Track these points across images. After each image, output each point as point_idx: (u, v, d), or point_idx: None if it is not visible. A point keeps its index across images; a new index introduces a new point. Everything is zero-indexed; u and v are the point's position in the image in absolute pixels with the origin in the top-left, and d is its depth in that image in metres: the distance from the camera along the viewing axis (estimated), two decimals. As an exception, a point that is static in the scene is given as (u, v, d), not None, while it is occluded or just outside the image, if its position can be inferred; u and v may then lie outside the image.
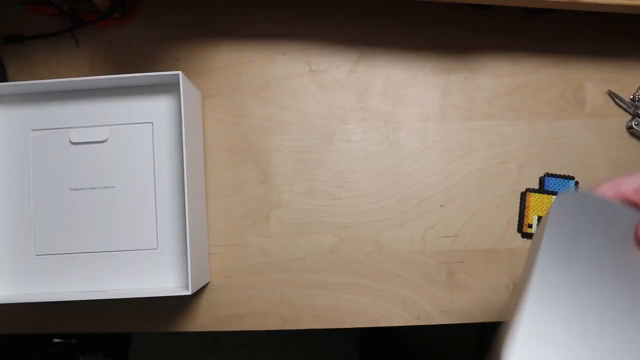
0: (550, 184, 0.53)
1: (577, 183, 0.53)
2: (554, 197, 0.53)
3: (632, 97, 0.55)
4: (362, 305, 0.52)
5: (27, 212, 0.49)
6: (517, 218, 0.53)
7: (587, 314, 0.28)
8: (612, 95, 0.55)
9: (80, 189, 0.49)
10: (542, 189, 0.53)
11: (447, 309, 0.52)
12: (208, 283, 0.52)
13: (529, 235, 0.53)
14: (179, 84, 0.45)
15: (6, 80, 0.54)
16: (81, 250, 0.48)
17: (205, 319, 0.52)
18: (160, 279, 0.48)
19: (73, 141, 0.49)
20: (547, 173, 0.53)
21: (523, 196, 0.53)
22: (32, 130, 0.49)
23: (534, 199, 0.53)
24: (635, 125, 0.53)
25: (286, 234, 0.52)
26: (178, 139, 0.49)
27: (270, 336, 1.20)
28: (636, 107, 0.54)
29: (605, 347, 0.27)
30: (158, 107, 0.49)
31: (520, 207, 0.53)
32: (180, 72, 0.45)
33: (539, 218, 0.53)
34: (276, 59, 0.55)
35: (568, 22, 0.55)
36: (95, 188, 0.49)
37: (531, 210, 0.53)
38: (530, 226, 0.53)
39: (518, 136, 0.54)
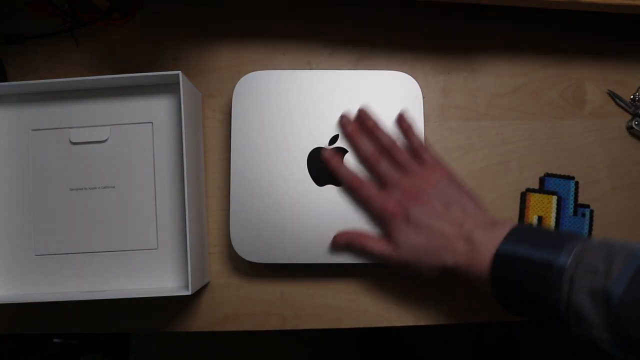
0: (550, 184, 0.53)
1: (577, 183, 0.53)
2: (553, 197, 0.53)
3: (632, 97, 0.55)
4: (362, 305, 0.52)
5: (27, 212, 0.49)
6: (517, 218, 0.53)
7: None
8: (612, 95, 0.55)
9: (80, 189, 0.49)
10: (542, 189, 0.53)
11: (447, 309, 0.52)
12: (208, 283, 0.52)
13: (529, 235, 0.53)
14: (179, 84, 0.45)
15: (6, 80, 0.54)
16: (81, 250, 0.48)
17: (205, 319, 0.52)
18: (160, 279, 0.48)
19: (73, 141, 0.49)
20: (547, 173, 0.53)
21: (523, 196, 0.53)
22: (32, 130, 0.49)
23: (534, 199, 0.53)
24: (635, 125, 0.53)
25: (286, 234, 0.52)
26: (178, 139, 0.49)
27: (270, 336, 1.20)
28: (636, 107, 0.54)
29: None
30: (158, 107, 0.49)
31: (520, 207, 0.53)
32: (180, 72, 0.45)
33: (539, 218, 0.53)
34: (276, 59, 0.55)
35: (568, 22, 0.55)
36: (95, 188, 0.49)
37: (531, 210, 0.53)
38: (530, 226, 0.53)
39: (518, 136, 0.54)
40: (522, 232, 0.42)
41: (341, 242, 0.48)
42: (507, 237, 0.41)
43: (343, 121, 0.50)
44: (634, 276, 0.35)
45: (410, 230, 0.45)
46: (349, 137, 0.49)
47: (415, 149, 0.49)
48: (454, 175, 0.48)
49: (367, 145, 0.48)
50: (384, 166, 0.48)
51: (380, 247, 0.46)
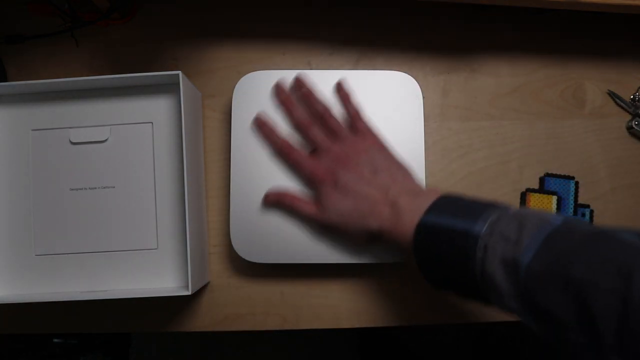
0: (550, 184, 0.53)
1: (577, 183, 0.53)
2: (553, 197, 0.53)
3: (632, 97, 0.55)
4: (362, 305, 0.52)
5: (27, 212, 0.49)
6: (517, 218, 0.53)
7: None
8: (612, 95, 0.55)
9: (80, 189, 0.49)
10: (542, 189, 0.53)
11: (447, 309, 0.52)
12: (208, 283, 0.52)
13: (529, 235, 0.53)
14: (179, 84, 0.45)
15: (6, 80, 0.54)
16: (81, 250, 0.48)
17: (205, 319, 0.52)
18: (160, 279, 0.48)
19: (73, 141, 0.49)
20: (547, 173, 0.53)
21: (523, 196, 0.53)
22: (32, 130, 0.49)
23: (534, 199, 0.53)
24: (635, 125, 0.53)
25: (286, 234, 0.52)
26: (178, 139, 0.49)
27: (270, 336, 1.20)
28: (636, 107, 0.54)
29: None
30: (158, 107, 0.49)
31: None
32: (180, 72, 0.45)
33: (539, 218, 0.53)
34: (276, 59, 0.55)
35: (568, 22, 0.55)
36: (95, 188, 0.49)
37: (531, 210, 0.53)
38: (530, 226, 0.53)
39: (518, 136, 0.54)
40: (445, 202, 0.41)
41: (272, 199, 0.48)
42: (430, 208, 0.41)
43: (278, 89, 0.50)
44: (542, 244, 0.35)
45: (337, 194, 0.45)
46: (282, 103, 0.50)
47: (350, 116, 0.49)
48: (385, 144, 0.48)
49: (300, 112, 0.49)
50: (316, 132, 0.48)
51: (309, 209, 0.47)
